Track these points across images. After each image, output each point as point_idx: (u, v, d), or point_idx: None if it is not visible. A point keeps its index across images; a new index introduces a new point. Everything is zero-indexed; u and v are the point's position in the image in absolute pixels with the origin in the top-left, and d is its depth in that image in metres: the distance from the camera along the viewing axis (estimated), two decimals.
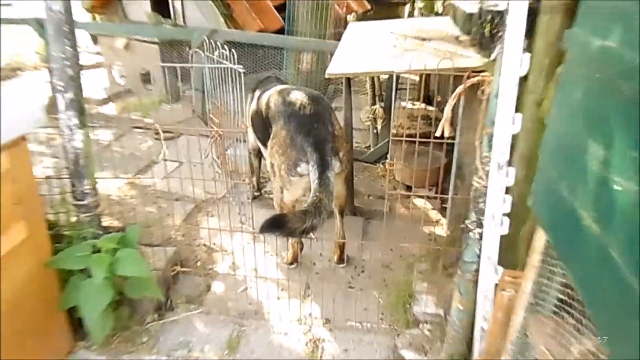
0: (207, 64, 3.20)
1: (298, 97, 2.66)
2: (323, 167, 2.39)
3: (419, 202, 3.70)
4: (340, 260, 2.94)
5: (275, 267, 2.93)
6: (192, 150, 3.80)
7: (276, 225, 2.25)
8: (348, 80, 3.25)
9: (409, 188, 3.89)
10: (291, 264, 2.96)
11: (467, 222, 1.89)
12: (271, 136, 2.66)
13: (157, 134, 4.50)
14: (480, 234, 1.84)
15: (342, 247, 2.96)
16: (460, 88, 1.93)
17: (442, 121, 1.99)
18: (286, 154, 2.52)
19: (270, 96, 2.85)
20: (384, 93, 4.96)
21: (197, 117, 5.07)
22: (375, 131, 4.66)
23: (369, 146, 4.74)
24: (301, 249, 2.97)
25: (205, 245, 3.19)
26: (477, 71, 2.04)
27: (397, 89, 4.47)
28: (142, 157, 4.32)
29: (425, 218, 3.45)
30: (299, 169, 2.50)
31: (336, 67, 3.05)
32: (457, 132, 2.70)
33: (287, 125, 2.55)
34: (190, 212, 3.54)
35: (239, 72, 2.44)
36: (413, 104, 5.10)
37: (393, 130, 5.03)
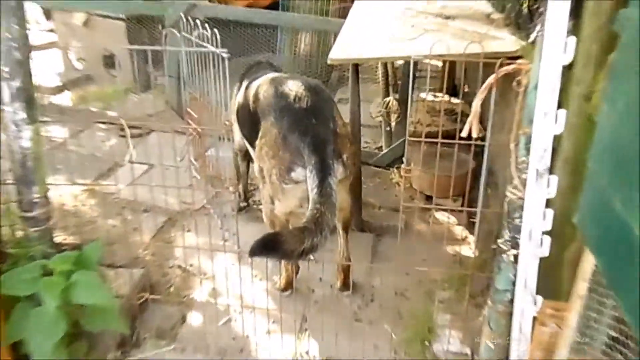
0: (184, 46, 3.22)
1: (293, 87, 2.67)
2: (323, 173, 2.39)
3: (442, 216, 3.71)
4: (345, 286, 2.95)
5: (265, 294, 2.93)
6: (165, 150, 3.81)
7: (269, 246, 2.25)
8: (355, 66, 3.26)
9: (428, 199, 3.89)
10: (284, 290, 2.97)
11: (499, 241, 1.90)
12: (260, 134, 2.67)
13: (123, 130, 4.52)
14: (516, 256, 1.85)
15: (346, 271, 2.96)
16: (491, 78, 1.94)
17: (469, 118, 2.00)
18: (278, 156, 2.53)
19: (260, 86, 2.87)
20: (399, 82, 4.98)
21: (172, 111, 5.09)
22: (388, 129, 4.67)
23: (381, 147, 4.76)
24: (297, 273, 2.97)
25: (180, 267, 3.19)
26: (512, 57, 2.05)
27: (415, 78, 4.49)
28: (104, 158, 4.33)
29: (448, 236, 3.45)
30: (293, 175, 2.50)
31: (341, 51, 3.07)
32: (487, 131, 2.71)
33: (279, 122, 2.56)
34: (162, 227, 3.55)
35: (223, 57, 2.46)
36: (435, 96, 5.13)
37: (410, 128, 5.04)
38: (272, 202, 2.69)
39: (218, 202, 3.62)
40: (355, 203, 3.51)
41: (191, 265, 3.15)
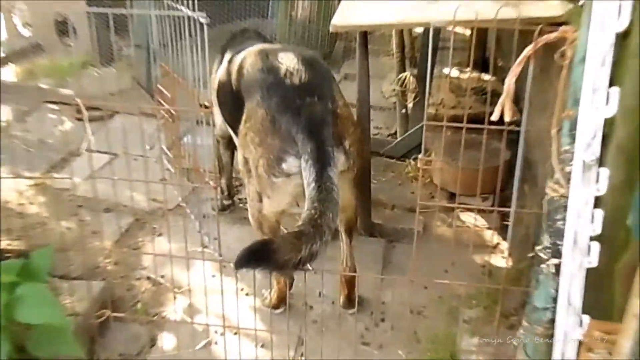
0: (154, 9, 3.22)
1: (284, 60, 2.68)
2: (321, 163, 2.39)
3: (468, 218, 3.71)
4: (349, 302, 2.95)
5: (253, 312, 2.94)
6: (131, 137, 3.79)
7: (258, 257, 2.25)
8: (364, 35, 3.26)
9: (452, 196, 3.89)
10: (276, 307, 2.97)
11: (537, 248, 1.90)
12: (244, 117, 2.67)
13: (79, 112, 4.52)
14: (558, 267, 1.84)
15: (351, 284, 2.97)
16: (528, 49, 1.93)
17: (501, 98, 2.00)
18: (265, 143, 2.53)
19: (244, 59, 2.87)
20: (417, 55, 4.97)
21: (140, 88, 5.09)
22: (404, 111, 4.67)
23: (395, 133, 4.76)
24: (290, 285, 2.98)
25: (149, 278, 3.19)
26: (554, 24, 2.04)
27: (436, 49, 4.47)
28: (56, 146, 4.33)
29: (476, 241, 3.45)
30: (284, 166, 2.50)
31: (346, 16, 3.06)
32: (523, 114, 2.71)
33: (267, 101, 2.57)
34: (128, 230, 3.55)
35: (201, 23, 2.46)
36: (461, 71, 5.13)
37: (430, 110, 5.07)
38: (260, 200, 2.70)
39: (196, 199, 3.62)
40: (363, 202, 3.52)
41: (163, 277, 3.15)
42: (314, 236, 2.28)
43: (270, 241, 2.36)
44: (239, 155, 2.78)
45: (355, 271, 2.95)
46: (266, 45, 3.03)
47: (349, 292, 2.97)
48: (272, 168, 2.52)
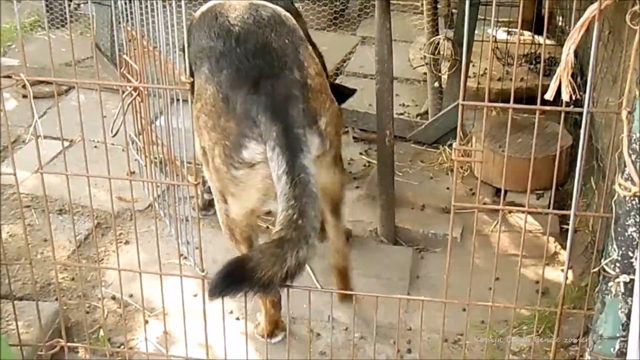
0: None
1: (237, 16, 2.70)
2: (291, 150, 2.40)
3: (517, 221, 3.71)
4: (345, 296, 2.96)
5: (245, 341, 2.95)
6: (90, 118, 3.80)
7: (236, 278, 2.28)
8: None
9: (498, 193, 3.88)
10: (272, 335, 3.00)
11: (604, 262, 1.90)
12: (195, 97, 2.69)
13: (25, 87, 4.53)
14: (629, 285, 1.85)
15: (344, 274, 3.04)
16: (592, 9, 1.93)
17: (558, 71, 2.00)
18: (219, 127, 2.55)
19: (193, 20, 2.91)
20: (453, 12, 4.96)
21: (102, 57, 5.10)
22: (437, 85, 4.66)
23: (425, 113, 4.75)
24: (278, 303, 2.99)
25: (114, 298, 3.20)
26: None
27: (478, 4, 4.46)
28: None
29: (528, 251, 3.44)
30: (245, 154, 2.51)
31: None
32: (587, 91, 2.69)
33: (217, 75, 2.57)
34: (88, 236, 3.57)
35: None
36: (509, 33, 5.10)
37: (470, 84, 5.03)
38: (225, 201, 2.73)
39: (172, 198, 3.63)
40: (385, 200, 3.53)
41: (131, 296, 3.17)
42: (298, 241, 2.31)
43: (246, 258, 2.38)
44: (196, 145, 2.78)
45: (348, 259, 3.02)
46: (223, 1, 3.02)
47: (344, 285, 3.03)
48: (229, 157, 2.53)
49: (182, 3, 2.50)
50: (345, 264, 3.03)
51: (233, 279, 2.27)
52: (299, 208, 2.34)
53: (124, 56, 3.20)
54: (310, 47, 2.78)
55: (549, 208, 3.63)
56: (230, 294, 2.30)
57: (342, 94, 3.82)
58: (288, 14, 2.86)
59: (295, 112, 2.46)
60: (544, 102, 2.09)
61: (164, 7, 2.91)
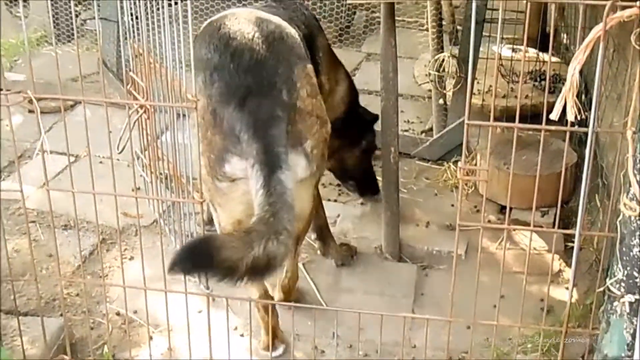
0: None
1: (237, 30, 2.72)
2: (269, 167, 2.44)
3: (522, 238, 3.70)
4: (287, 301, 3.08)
5: (249, 356, 2.94)
6: (96, 134, 3.82)
7: (200, 257, 2.30)
8: (391, 4, 3.27)
9: (503, 210, 3.88)
10: (270, 348, 3.01)
11: (608, 281, 1.89)
12: None
13: (31, 102, 4.55)
14: (634, 305, 1.85)
15: (287, 291, 3.11)
16: (597, 30, 1.93)
17: (563, 90, 2.00)
18: (207, 139, 2.58)
19: (204, 27, 2.96)
20: (459, 28, 4.97)
21: (108, 72, 5.11)
22: (441, 101, 4.67)
23: (430, 130, 4.75)
24: (273, 309, 3.01)
25: (118, 314, 3.20)
26: None
27: (483, 22, 4.47)
28: (2, 146, 4.35)
29: (532, 268, 3.44)
30: (227, 168, 2.55)
31: None
32: (592, 109, 2.70)
33: (209, 88, 2.61)
34: (93, 252, 3.57)
35: None
36: (514, 50, 5.11)
37: (475, 101, 5.04)
38: (215, 209, 2.77)
39: (177, 214, 3.63)
40: (389, 217, 3.53)
41: (135, 312, 3.16)
42: (267, 233, 2.34)
43: (214, 237, 2.42)
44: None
45: (293, 280, 3.10)
46: (236, 11, 3.04)
47: (284, 297, 3.13)
48: (213, 170, 2.58)
49: (189, 20, 2.53)
50: (291, 283, 3.10)
51: (198, 255, 2.29)
52: (271, 211, 2.39)
53: (131, 73, 3.21)
54: (309, 67, 2.80)
55: (553, 225, 3.67)
56: (192, 270, 2.35)
57: (365, 120, 3.86)
58: (292, 32, 2.88)
59: (276, 132, 2.51)
60: (549, 120, 2.10)
61: (171, 23, 2.92)
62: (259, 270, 2.35)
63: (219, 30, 2.76)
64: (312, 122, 2.66)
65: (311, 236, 3.60)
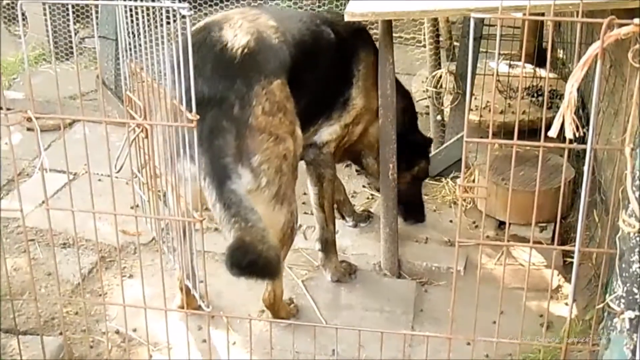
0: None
1: (217, 37, 2.84)
2: (218, 180, 2.58)
3: (521, 254, 3.70)
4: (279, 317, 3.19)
5: None
6: (94, 152, 3.82)
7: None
8: (388, 22, 3.29)
9: (501, 226, 3.88)
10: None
11: (608, 298, 1.90)
12: None
13: (30, 121, 4.55)
14: (634, 322, 1.85)
15: (271, 308, 3.17)
16: (594, 47, 1.94)
17: (561, 108, 2.01)
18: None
19: (201, 24, 3.05)
20: (456, 44, 4.98)
21: (107, 91, 5.12)
22: (439, 118, 4.68)
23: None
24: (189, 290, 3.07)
25: (118, 332, 3.20)
26: (627, 12, 2.05)
27: (480, 38, 4.49)
28: (0, 164, 4.35)
29: (532, 284, 3.44)
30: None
31: (365, 2, 3.09)
32: (590, 125, 2.71)
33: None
34: (92, 270, 3.57)
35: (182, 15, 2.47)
36: (511, 66, 5.13)
37: (472, 117, 5.05)
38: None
39: (176, 232, 3.63)
40: (388, 233, 3.53)
41: (135, 330, 3.16)
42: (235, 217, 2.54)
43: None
44: None
45: (276, 295, 3.15)
46: (224, 16, 3.11)
47: (273, 314, 3.20)
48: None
49: (189, 39, 2.53)
50: (271, 297, 3.16)
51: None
52: (241, 223, 2.57)
53: (128, 92, 3.21)
54: (275, 83, 2.86)
55: (552, 241, 3.67)
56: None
57: (420, 145, 3.91)
58: (270, 45, 2.93)
59: (222, 143, 2.63)
60: (548, 136, 2.11)
61: (169, 42, 2.93)
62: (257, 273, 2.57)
63: (201, 33, 2.88)
64: (263, 139, 2.75)
65: (316, 246, 3.64)
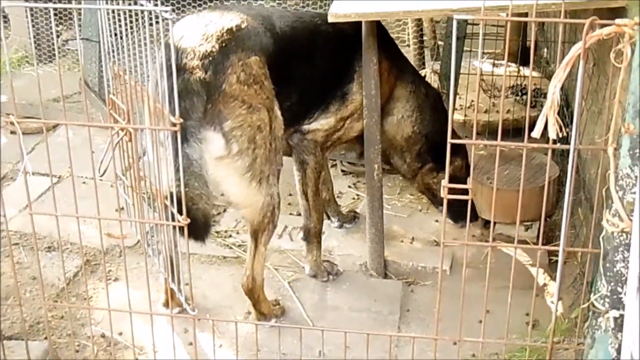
0: (104, 2, 3.24)
1: (195, 20, 2.99)
2: (177, 141, 2.55)
3: (507, 253, 3.71)
4: (260, 314, 3.22)
5: None
6: (78, 154, 3.80)
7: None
8: (372, 23, 3.29)
9: (487, 225, 3.89)
10: (166, 304, 3.18)
11: (593, 297, 1.90)
12: None
13: (12, 124, 4.53)
14: (619, 321, 1.85)
15: (251, 296, 3.17)
16: (576, 48, 1.94)
17: (544, 109, 2.01)
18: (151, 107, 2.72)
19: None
20: (440, 44, 4.99)
21: (90, 92, 5.10)
22: None
23: None
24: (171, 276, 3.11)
25: (103, 336, 3.18)
26: (609, 11, 2.05)
27: (464, 37, 4.50)
28: None
29: (517, 283, 3.44)
30: (161, 133, 2.68)
31: (348, 3, 3.09)
32: (574, 125, 2.71)
33: (155, 61, 2.81)
34: (76, 274, 3.55)
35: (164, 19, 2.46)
36: (494, 65, 5.14)
37: (457, 116, 5.06)
38: None
39: (161, 235, 3.62)
40: (374, 233, 3.53)
41: (120, 334, 3.15)
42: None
43: None
44: None
45: (255, 281, 3.15)
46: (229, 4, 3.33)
47: (253, 304, 3.20)
48: (152, 134, 2.79)
49: (171, 42, 2.53)
50: (249, 282, 3.16)
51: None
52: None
53: (111, 95, 3.19)
54: (253, 58, 2.96)
55: (537, 239, 3.67)
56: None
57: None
58: (250, 27, 3.02)
59: (187, 105, 2.71)
60: (530, 140, 2.12)
61: (152, 44, 2.92)
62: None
63: (184, 18, 3.05)
64: (236, 105, 2.84)
65: (299, 235, 3.69)
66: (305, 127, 3.38)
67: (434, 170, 3.77)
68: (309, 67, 3.30)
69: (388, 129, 3.63)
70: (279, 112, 3.06)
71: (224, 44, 2.89)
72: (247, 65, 2.90)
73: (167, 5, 2.50)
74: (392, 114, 3.62)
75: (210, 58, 2.84)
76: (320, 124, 3.39)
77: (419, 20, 4.70)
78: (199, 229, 2.76)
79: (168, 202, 2.66)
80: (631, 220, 1.78)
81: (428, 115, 3.71)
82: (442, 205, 3.88)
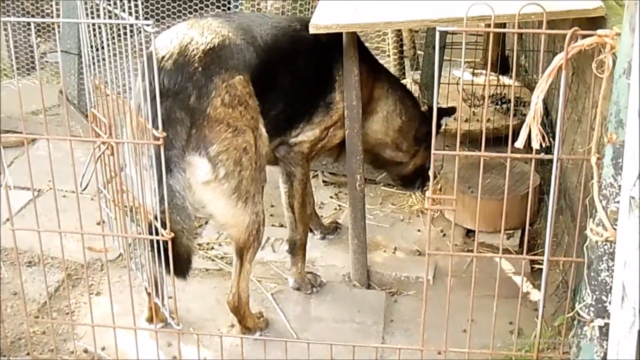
0: (84, 16, 3.22)
1: (184, 35, 2.92)
2: (160, 173, 2.58)
3: (491, 261, 3.72)
4: (245, 329, 3.21)
5: None
6: (59, 168, 3.78)
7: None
8: (352, 33, 3.29)
9: (470, 234, 3.89)
10: (150, 320, 3.16)
11: (578, 306, 1.91)
12: None
13: None
14: (604, 329, 1.86)
15: (237, 312, 3.18)
16: (558, 59, 1.95)
17: (527, 119, 2.02)
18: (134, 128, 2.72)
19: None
20: (420, 53, 5.00)
21: (70, 106, 5.07)
22: None
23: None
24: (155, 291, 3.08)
25: (86, 351, 3.15)
26: (589, 20, 2.06)
27: (444, 47, 4.51)
28: None
29: (501, 292, 3.44)
30: (144, 159, 2.68)
31: (329, 14, 3.08)
32: (556, 135, 2.73)
33: (137, 85, 2.76)
34: (58, 289, 3.52)
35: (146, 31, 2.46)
36: (474, 74, 5.16)
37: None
38: None
39: (143, 248, 3.60)
40: (356, 244, 3.52)
41: (103, 349, 3.12)
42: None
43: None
44: None
45: (241, 298, 3.14)
46: (206, 16, 3.37)
47: (239, 320, 3.20)
48: (137, 155, 2.76)
49: (153, 52, 2.52)
50: (235, 300, 3.15)
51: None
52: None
53: (92, 109, 3.17)
54: (237, 78, 2.92)
55: (519, 248, 3.68)
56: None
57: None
58: (232, 43, 2.98)
59: (170, 134, 2.65)
60: (513, 151, 2.13)
61: (134, 55, 2.91)
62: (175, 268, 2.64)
63: (162, 34, 2.95)
64: (221, 129, 2.82)
65: (285, 248, 3.67)
66: (292, 139, 3.36)
67: (428, 147, 3.78)
68: (292, 75, 3.29)
69: (377, 127, 3.65)
70: (263, 130, 3.04)
71: (206, 66, 2.85)
72: (231, 86, 2.88)
73: (146, 18, 2.49)
74: (377, 112, 3.64)
75: (195, 83, 2.80)
76: (306, 136, 3.38)
77: (399, 30, 4.70)
78: (181, 265, 2.75)
79: (151, 217, 2.65)
80: (615, 229, 1.78)
81: (409, 102, 3.78)
82: (413, 184, 4.00)
